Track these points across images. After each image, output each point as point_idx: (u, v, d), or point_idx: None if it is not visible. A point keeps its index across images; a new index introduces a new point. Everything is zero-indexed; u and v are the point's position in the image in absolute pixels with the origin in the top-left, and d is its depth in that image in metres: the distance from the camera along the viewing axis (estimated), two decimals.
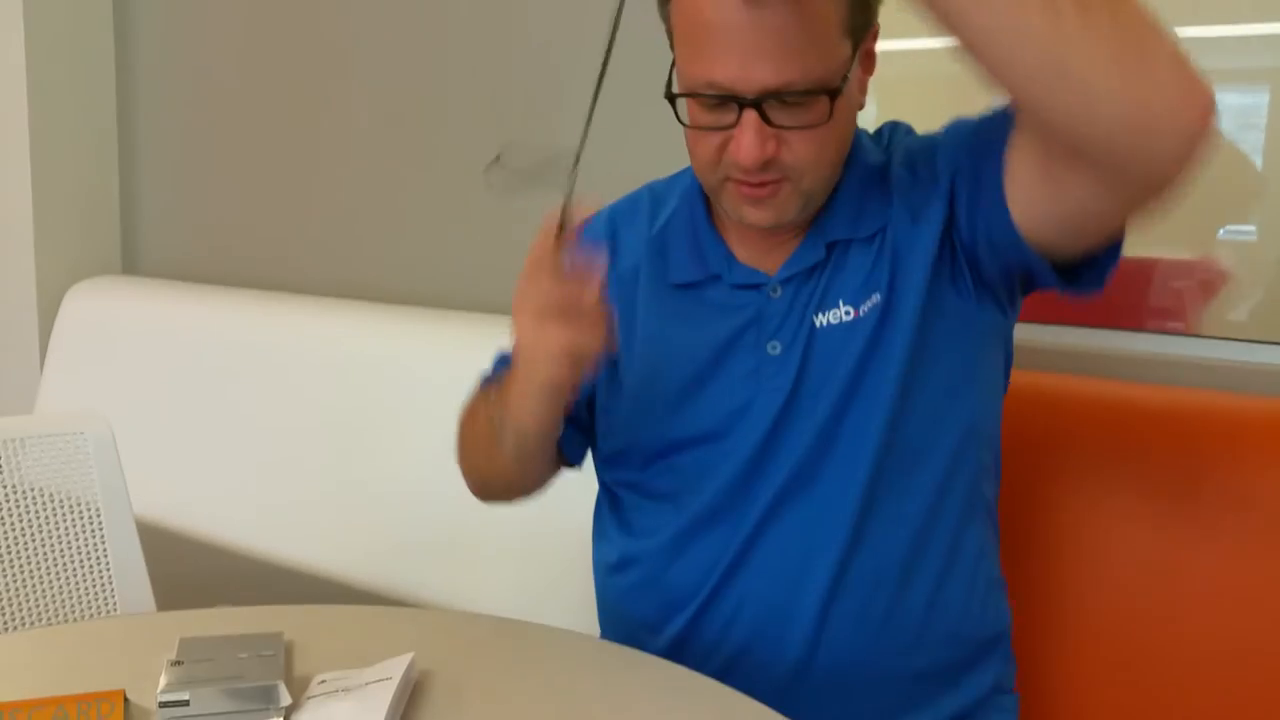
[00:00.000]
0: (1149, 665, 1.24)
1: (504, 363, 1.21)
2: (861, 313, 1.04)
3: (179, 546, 2.21)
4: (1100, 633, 1.27)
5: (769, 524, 1.08)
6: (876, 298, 1.04)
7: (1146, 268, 1.52)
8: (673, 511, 1.13)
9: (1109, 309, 1.53)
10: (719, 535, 1.10)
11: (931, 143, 1.08)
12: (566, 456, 1.22)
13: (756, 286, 1.09)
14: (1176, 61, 0.76)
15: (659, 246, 1.14)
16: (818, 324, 1.06)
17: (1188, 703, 1.21)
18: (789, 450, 1.07)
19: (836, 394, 1.05)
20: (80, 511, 1.39)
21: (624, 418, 1.15)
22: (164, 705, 0.90)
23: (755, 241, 1.10)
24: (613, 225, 1.19)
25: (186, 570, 2.08)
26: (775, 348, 1.07)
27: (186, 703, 0.90)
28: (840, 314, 1.05)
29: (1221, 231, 1.48)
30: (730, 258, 1.11)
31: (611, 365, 1.17)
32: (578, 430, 1.20)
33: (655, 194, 1.20)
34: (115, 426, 1.42)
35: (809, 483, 1.07)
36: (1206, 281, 1.50)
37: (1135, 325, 1.52)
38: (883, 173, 1.08)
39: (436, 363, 2.04)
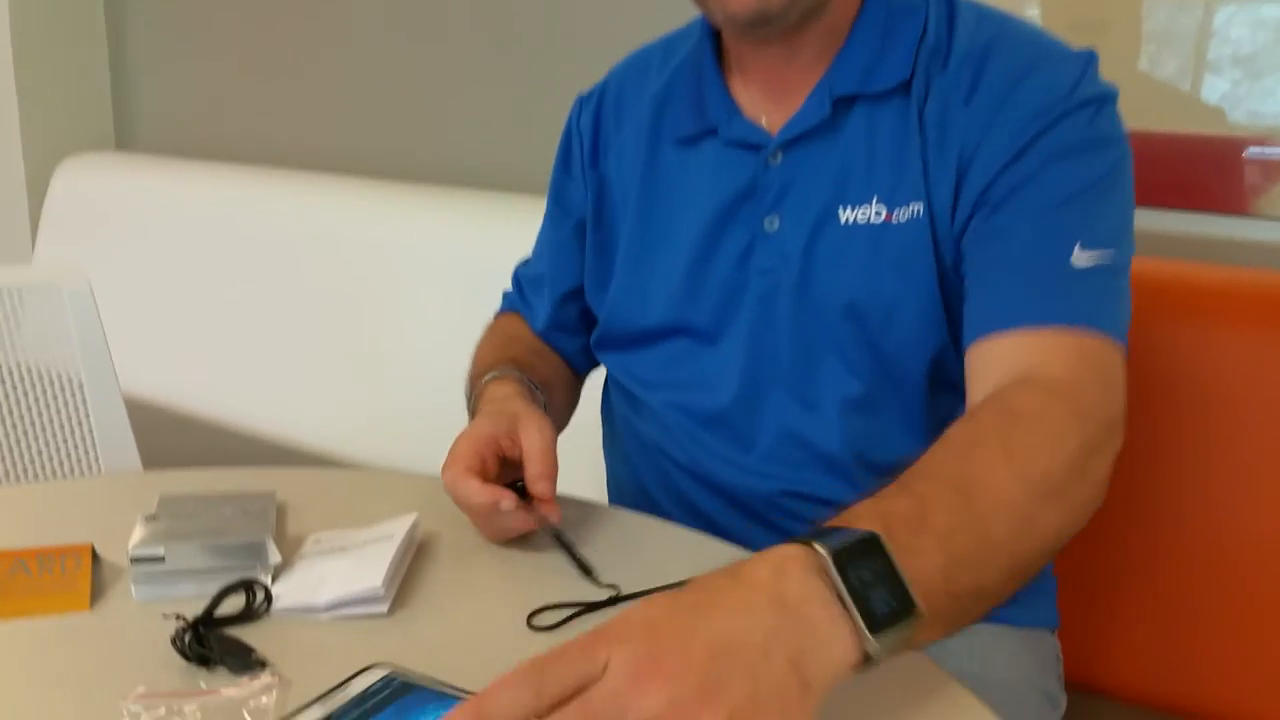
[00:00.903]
0: (1202, 601, 1.13)
1: (518, 289, 1.21)
2: (896, 219, 0.91)
3: (172, 426, 2.12)
4: (1149, 566, 1.16)
5: (768, 439, 0.99)
6: (918, 208, 0.90)
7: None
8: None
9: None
10: (719, 436, 1.01)
11: (1026, 127, 0.88)
12: (575, 369, 1.17)
13: (755, 147, 0.95)
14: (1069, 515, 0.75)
15: (663, 100, 1.03)
16: (843, 218, 0.92)
17: (1239, 644, 1.10)
18: (778, 356, 0.96)
19: (841, 307, 0.93)
20: (58, 372, 1.28)
21: (612, 299, 1.06)
22: (136, 561, 0.80)
23: (760, 86, 0.96)
24: (618, 93, 1.08)
25: (179, 449, 1.99)
26: (773, 223, 0.95)
27: (161, 558, 0.80)
28: (870, 212, 0.91)
29: None
30: (732, 108, 0.97)
31: (606, 244, 1.08)
32: (580, 334, 1.15)
33: (668, 45, 1.08)
34: (109, 305, 1.31)
35: (802, 401, 0.97)
36: None
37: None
38: (939, 40, 0.91)
39: (437, 241, 1.94)
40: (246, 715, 0.65)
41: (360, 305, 1.99)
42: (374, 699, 0.65)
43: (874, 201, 0.91)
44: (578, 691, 0.50)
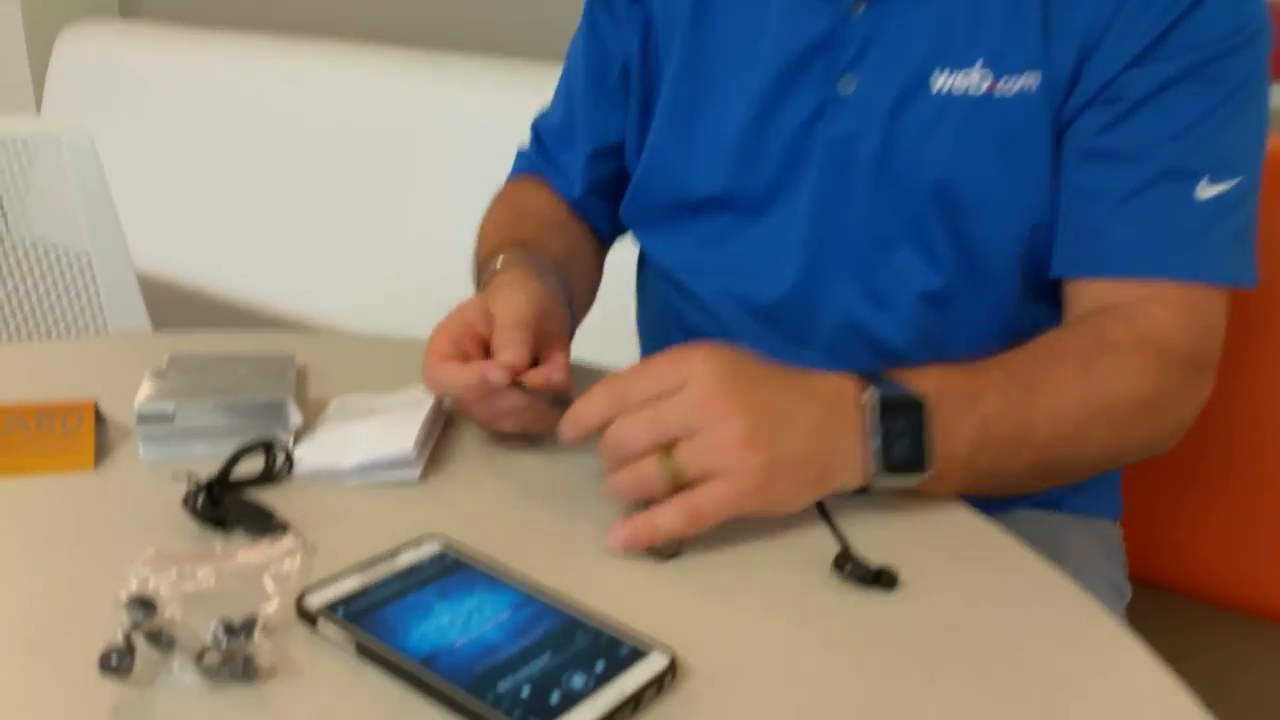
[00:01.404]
0: (1275, 501, 1.05)
1: (538, 145, 1.08)
2: (1002, 90, 0.79)
3: (184, 301, 2.05)
4: (1222, 461, 1.08)
5: (827, 333, 0.90)
6: (1031, 81, 0.79)
7: None
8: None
9: None
10: (775, 329, 0.92)
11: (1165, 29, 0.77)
12: (601, 237, 1.06)
13: None
14: (1140, 421, 0.76)
15: None
16: (936, 85, 0.81)
17: None
18: (845, 239, 0.86)
19: (928, 187, 0.82)
20: (64, 238, 1.20)
21: (648, 161, 0.95)
22: (144, 418, 0.73)
23: None
24: None
25: (191, 324, 1.92)
26: (849, 84, 0.84)
27: (171, 416, 0.73)
28: (970, 80, 0.80)
29: None
30: None
31: (648, 95, 0.96)
32: (608, 199, 1.03)
33: None
34: (116, 180, 1.23)
35: (870, 292, 0.88)
36: None
37: None
38: None
39: (457, 109, 1.84)
40: (267, 580, 0.59)
41: (377, 176, 1.89)
42: (419, 574, 0.58)
43: (977, 66, 0.80)
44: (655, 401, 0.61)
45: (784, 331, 0.91)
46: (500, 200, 1.04)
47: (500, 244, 0.89)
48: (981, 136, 0.81)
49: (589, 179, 1.02)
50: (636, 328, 1.10)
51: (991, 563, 0.64)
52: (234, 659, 0.51)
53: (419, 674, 0.50)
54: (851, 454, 0.64)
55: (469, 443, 0.78)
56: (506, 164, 1.12)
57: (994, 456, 0.69)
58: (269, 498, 0.68)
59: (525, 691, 0.49)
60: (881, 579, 0.59)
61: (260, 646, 0.52)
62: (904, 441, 0.64)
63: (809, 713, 0.51)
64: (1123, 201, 0.78)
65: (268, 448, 0.71)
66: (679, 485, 0.60)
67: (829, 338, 0.90)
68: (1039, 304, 0.85)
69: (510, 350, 0.71)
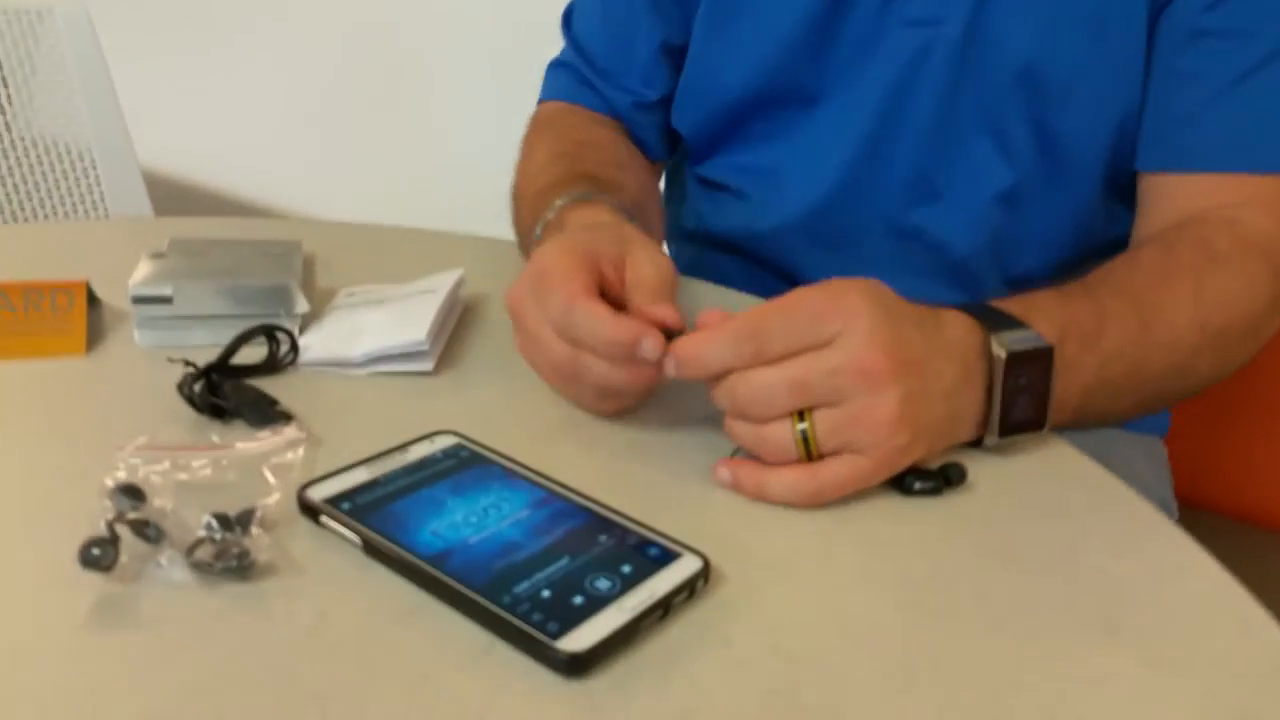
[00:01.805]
0: None
1: (583, 57, 0.93)
2: None
3: (188, 198, 1.99)
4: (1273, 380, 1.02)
5: (877, 238, 0.84)
6: None
7: None
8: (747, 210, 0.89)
9: None
10: (817, 233, 0.85)
11: None
12: (651, 155, 0.94)
13: None
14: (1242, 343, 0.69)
15: None
16: None
17: None
18: (914, 131, 0.80)
19: (1013, 72, 0.76)
20: (57, 99, 1.14)
21: (694, 54, 0.87)
22: (139, 300, 0.68)
23: None
24: None
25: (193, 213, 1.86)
26: None
27: (169, 299, 0.69)
28: None
29: None
30: None
31: None
32: (664, 110, 0.92)
33: None
34: (119, 73, 1.16)
35: (933, 190, 0.81)
36: None
37: None
38: None
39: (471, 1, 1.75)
40: (267, 472, 0.54)
41: (391, 67, 1.82)
42: (432, 468, 0.54)
43: None
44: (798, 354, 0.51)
45: (827, 238, 0.85)
46: (546, 127, 0.91)
47: (566, 177, 0.78)
48: (1071, 17, 0.74)
49: (651, 80, 0.90)
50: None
51: (1049, 472, 0.59)
52: (228, 554, 0.47)
53: (429, 573, 0.45)
54: (972, 412, 0.57)
55: (486, 336, 0.73)
56: (525, 57, 1.04)
57: (1106, 399, 0.64)
58: (272, 388, 0.63)
59: (545, 593, 0.44)
60: (950, 476, 0.55)
61: (258, 541, 0.48)
62: (1023, 400, 0.57)
63: (852, 621, 0.46)
64: (1228, 86, 0.71)
65: (271, 334, 0.66)
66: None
67: (880, 244, 0.84)
68: (1118, 207, 0.79)
69: (670, 319, 0.56)
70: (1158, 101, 0.74)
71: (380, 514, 0.49)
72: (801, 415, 0.52)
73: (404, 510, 0.50)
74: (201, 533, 0.48)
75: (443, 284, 0.74)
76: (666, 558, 0.47)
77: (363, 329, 0.69)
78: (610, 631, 0.42)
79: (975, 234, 0.81)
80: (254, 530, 0.49)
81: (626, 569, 0.46)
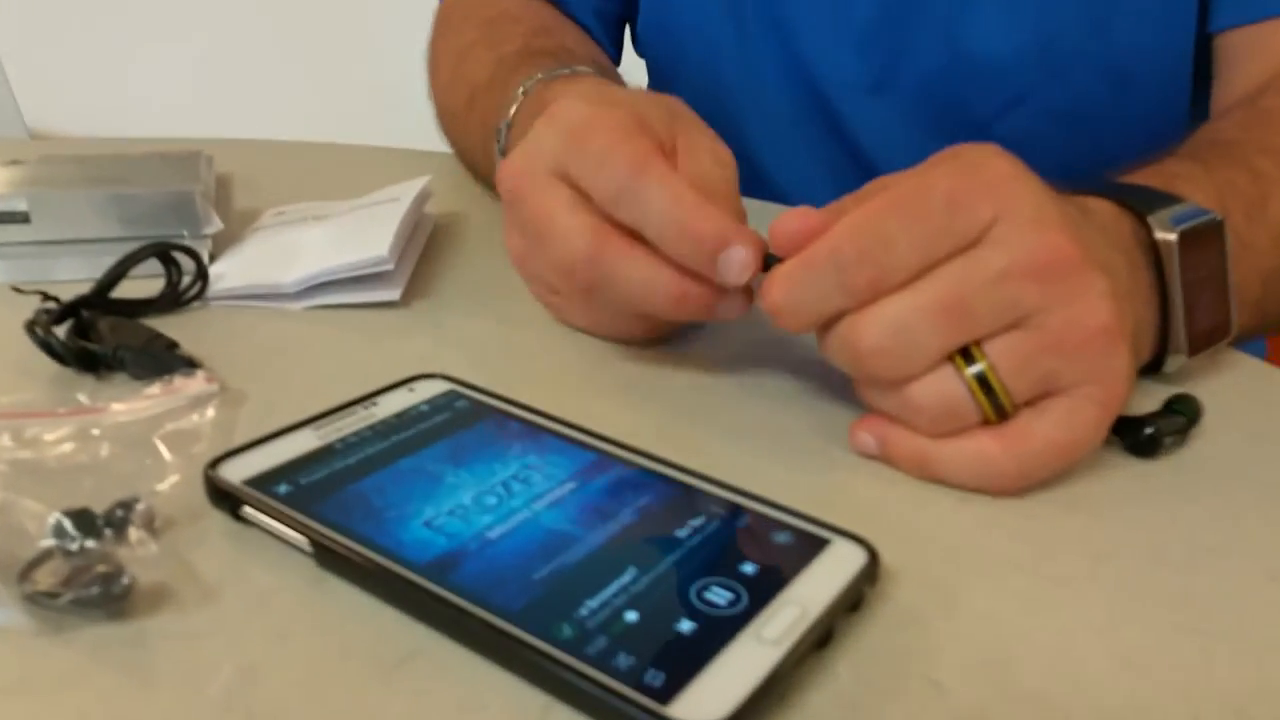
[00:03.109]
0: None
1: None
2: None
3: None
4: None
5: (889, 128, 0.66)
6: None
7: None
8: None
9: None
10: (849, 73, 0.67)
11: None
12: (610, 52, 0.77)
13: None
14: None
15: None
16: None
17: None
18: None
19: None
20: None
21: None
22: None
23: None
24: None
25: None
26: None
27: (24, 216, 0.49)
28: None
29: None
30: None
31: None
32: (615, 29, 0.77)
33: None
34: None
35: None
36: None
37: None
38: None
39: None
40: (160, 445, 0.35)
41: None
42: (416, 427, 0.36)
43: None
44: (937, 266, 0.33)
45: (834, 112, 0.67)
46: (463, 18, 0.71)
47: (516, 59, 0.60)
48: None
49: None
50: None
51: (1257, 397, 0.42)
52: (86, 576, 0.28)
53: (427, 590, 0.27)
54: (1149, 322, 0.40)
55: (466, 261, 0.55)
56: None
57: None
58: (170, 328, 0.44)
59: (629, 618, 0.26)
60: (1186, 411, 0.37)
61: (138, 552, 0.29)
62: (1205, 297, 0.40)
63: (1110, 640, 0.28)
64: None
65: (168, 257, 0.47)
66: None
67: (901, 109, 0.66)
68: None
69: (752, 244, 0.37)
70: None
71: (339, 500, 0.31)
72: (968, 355, 0.33)
73: (377, 492, 0.31)
74: (45, 543, 0.29)
75: (406, 192, 0.55)
76: (807, 548, 0.29)
77: (299, 249, 0.50)
78: (756, 681, 0.24)
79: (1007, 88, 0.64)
80: (133, 535, 0.30)
81: (748, 569, 0.28)
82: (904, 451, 0.35)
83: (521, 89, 0.54)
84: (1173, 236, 0.39)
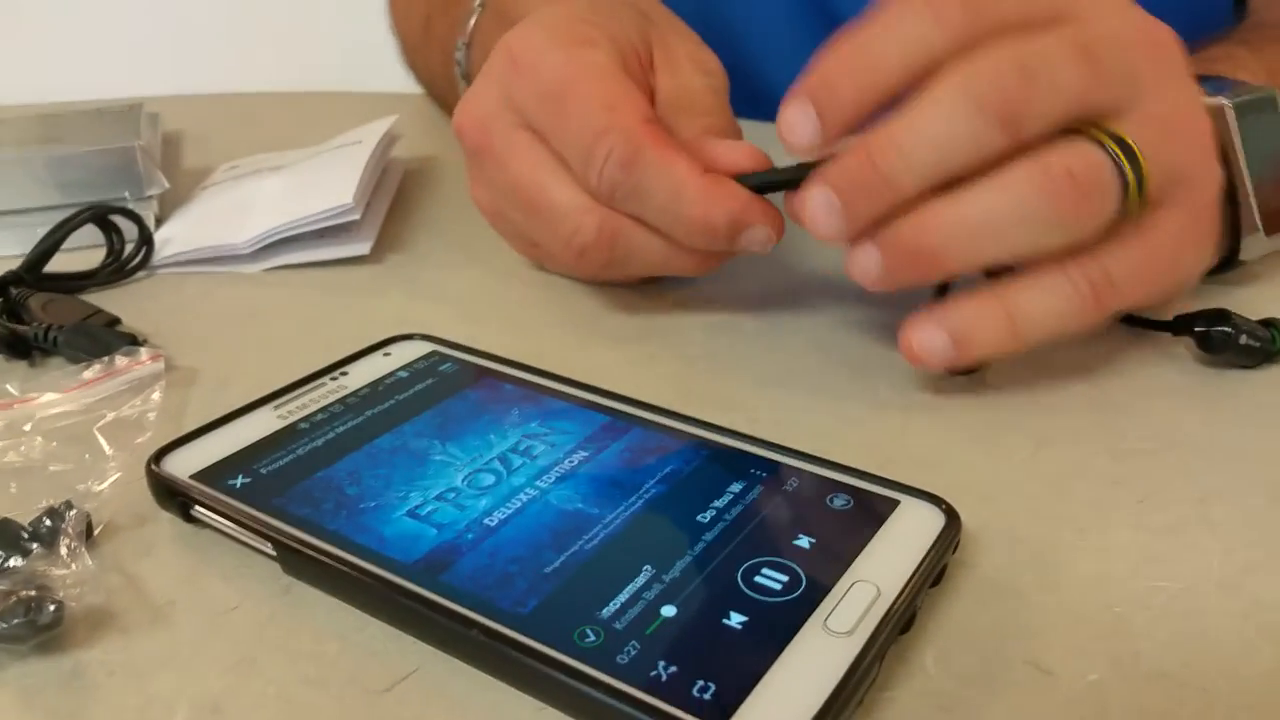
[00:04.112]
0: None
1: None
2: None
3: None
4: None
5: None
6: None
7: None
8: None
9: None
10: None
11: None
12: None
13: None
14: None
15: None
16: None
17: None
18: None
19: None
20: None
21: None
22: None
23: None
24: None
25: None
26: None
27: None
28: None
29: None
30: None
31: None
32: None
33: None
34: None
35: None
36: None
37: None
38: None
39: None
40: (100, 438, 0.30)
41: None
42: (395, 397, 0.30)
43: None
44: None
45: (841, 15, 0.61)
46: None
47: None
48: None
49: None
50: None
51: None
52: (7, 606, 0.23)
53: (417, 595, 0.22)
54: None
55: (441, 207, 0.49)
56: None
57: None
58: (112, 303, 0.39)
59: (667, 611, 0.21)
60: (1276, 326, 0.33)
61: (74, 567, 0.24)
62: (1272, 172, 0.35)
63: (1245, 601, 0.24)
64: None
65: (107, 222, 0.41)
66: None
67: None
68: None
69: (755, 161, 0.33)
70: None
71: (306, 491, 0.25)
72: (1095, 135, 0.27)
73: (351, 479, 0.26)
74: None
75: (370, 135, 0.49)
76: (873, 513, 0.24)
77: (253, 205, 0.45)
78: (831, 683, 0.20)
79: None
80: (65, 548, 0.25)
81: (805, 544, 0.23)
82: (989, 317, 0.29)
83: (478, 1, 0.48)
84: (1229, 103, 0.34)
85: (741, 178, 0.33)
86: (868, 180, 0.28)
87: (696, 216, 0.32)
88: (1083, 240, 0.28)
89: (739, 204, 0.32)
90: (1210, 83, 0.36)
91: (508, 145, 0.35)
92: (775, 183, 0.32)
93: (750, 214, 0.32)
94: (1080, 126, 0.27)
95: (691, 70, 0.36)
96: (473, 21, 0.49)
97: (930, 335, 0.29)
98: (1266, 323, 0.33)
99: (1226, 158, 0.35)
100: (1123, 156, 0.27)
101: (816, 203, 0.29)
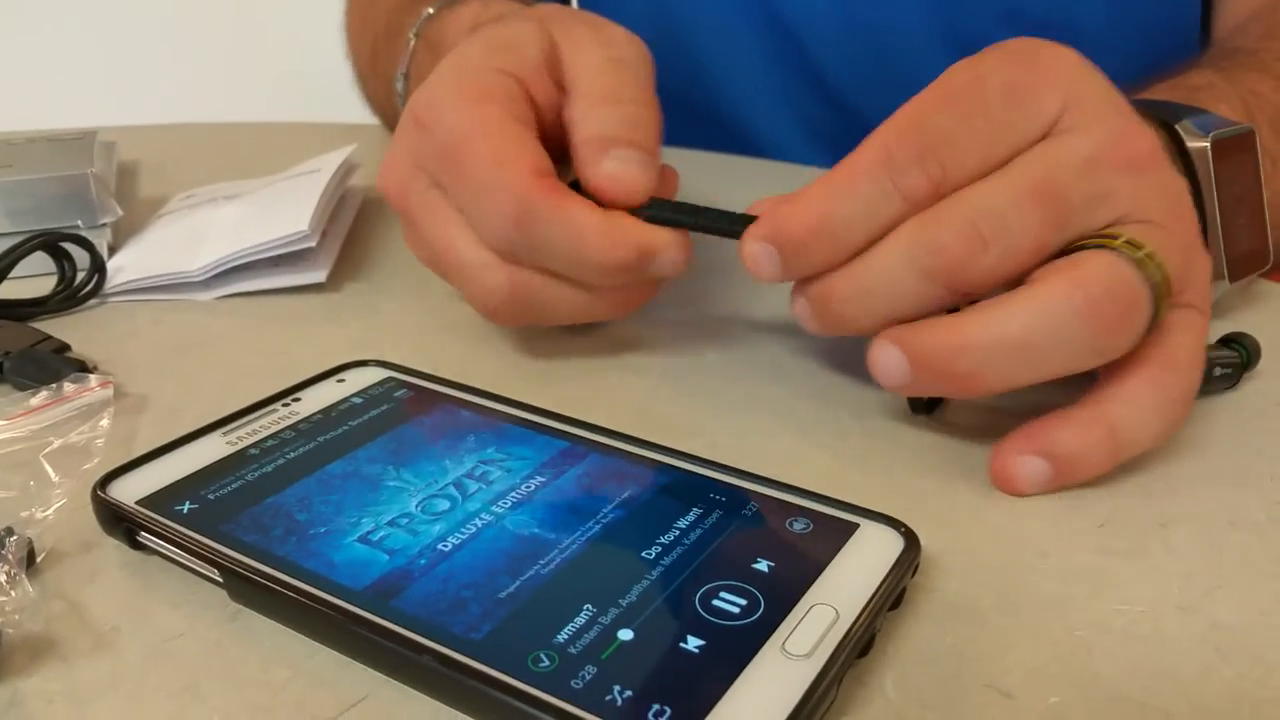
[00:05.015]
0: None
1: None
2: None
3: None
4: None
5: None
6: None
7: None
8: None
9: None
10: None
11: None
12: None
13: None
14: None
15: None
16: None
17: None
18: None
19: None
20: None
21: None
22: None
23: None
24: None
25: None
26: None
27: None
28: None
29: None
30: None
31: None
32: None
33: None
34: None
35: None
36: None
37: None
38: None
39: None
40: (46, 465, 0.30)
41: None
42: (348, 424, 0.30)
43: None
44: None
45: (805, 48, 0.62)
46: None
47: None
48: None
49: None
50: None
51: None
52: None
53: (369, 622, 0.22)
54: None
55: (400, 237, 0.49)
56: None
57: None
58: (64, 330, 0.38)
59: (623, 636, 0.21)
60: (1242, 351, 0.33)
61: (12, 596, 0.24)
62: (1243, 215, 0.36)
63: (1213, 632, 0.24)
64: None
65: (58, 249, 0.41)
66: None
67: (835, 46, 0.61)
68: None
69: (673, 243, 0.33)
70: None
71: (255, 517, 0.25)
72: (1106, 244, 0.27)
73: (300, 504, 0.25)
74: None
75: (327, 164, 0.49)
76: (832, 536, 0.24)
77: (207, 232, 0.44)
78: (788, 707, 0.19)
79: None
80: (3, 574, 0.24)
81: (763, 567, 0.23)
82: (1090, 447, 0.28)
83: (414, 31, 0.49)
84: (1205, 144, 0.35)
85: (642, 209, 0.32)
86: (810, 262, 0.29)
87: (604, 259, 0.32)
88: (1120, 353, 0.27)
89: (643, 237, 0.32)
90: (1195, 117, 0.36)
91: (422, 205, 0.35)
92: (678, 222, 0.32)
93: (655, 244, 0.32)
94: (1099, 241, 0.27)
95: (603, 58, 0.35)
96: (408, 55, 0.49)
97: (1030, 464, 0.28)
98: (1227, 341, 0.33)
99: (1200, 201, 0.35)
100: (1148, 263, 0.26)
101: (756, 252, 0.29)
